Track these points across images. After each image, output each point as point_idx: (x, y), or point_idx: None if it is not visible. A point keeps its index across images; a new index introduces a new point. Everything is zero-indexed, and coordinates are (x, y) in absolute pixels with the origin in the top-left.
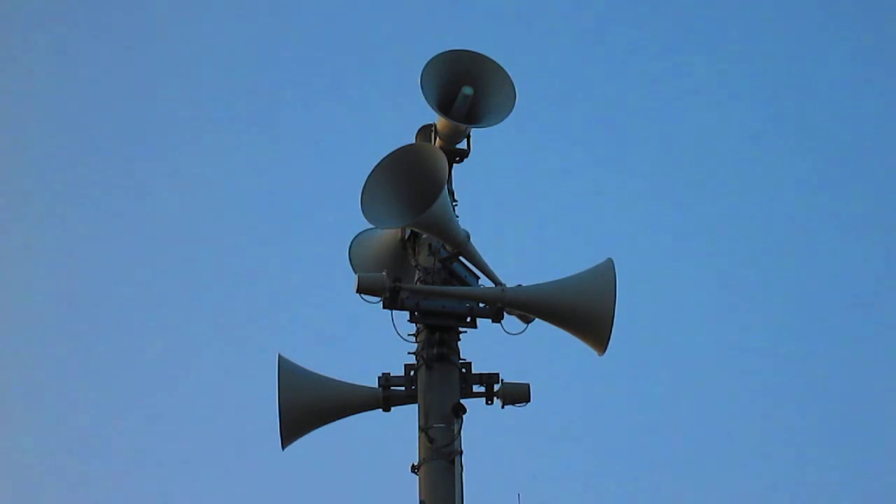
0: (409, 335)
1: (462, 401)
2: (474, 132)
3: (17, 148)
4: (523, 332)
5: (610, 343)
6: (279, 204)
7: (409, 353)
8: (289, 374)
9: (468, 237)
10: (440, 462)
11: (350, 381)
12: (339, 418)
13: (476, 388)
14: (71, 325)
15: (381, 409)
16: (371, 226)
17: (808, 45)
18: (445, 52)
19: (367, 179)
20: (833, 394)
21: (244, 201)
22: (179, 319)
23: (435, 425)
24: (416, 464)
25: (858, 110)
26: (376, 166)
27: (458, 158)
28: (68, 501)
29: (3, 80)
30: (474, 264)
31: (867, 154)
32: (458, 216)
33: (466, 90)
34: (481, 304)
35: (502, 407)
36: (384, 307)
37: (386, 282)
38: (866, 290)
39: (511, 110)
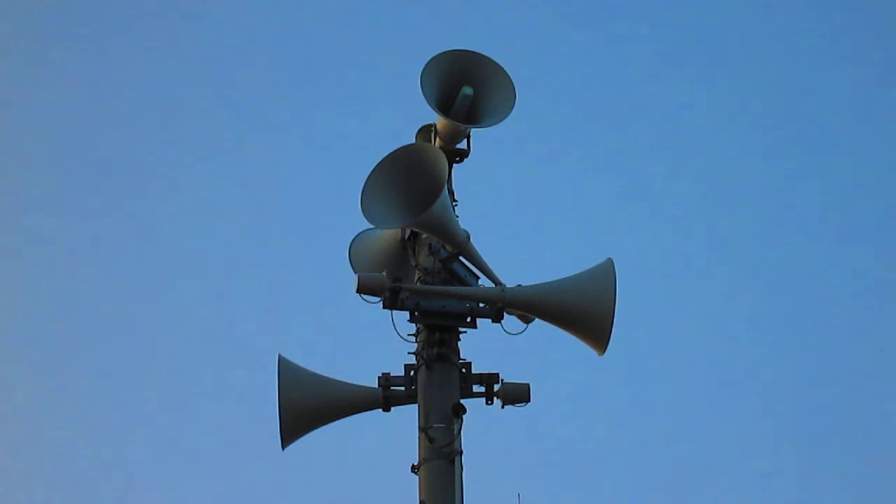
0: (409, 335)
1: (462, 401)
2: (474, 132)
3: (19, 149)
4: (523, 332)
5: (610, 343)
6: (279, 204)
7: (409, 353)
8: (289, 374)
9: (468, 237)
10: (440, 462)
11: (350, 381)
12: (339, 418)
13: (476, 388)
14: (71, 324)
15: (381, 409)
16: (371, 226)
17: (807, 46)
18: (445, 52)
19: (367, 179)
20: (835, 395)
21: (244, 201)
22: (179, 319)
23: (435, 425)
24: (416, 464)
25: (858, 111)
26: (376, 166)
27: (458, 158)
28: (67, 501)
29: (4, 81)
30: (474, 264)
31: (869, 156)
32: (458, 216)
33: (466, 90)
34: (481, 304)
35: (502, 407)
36: (384, 307)
37: (386, 282)
38: (867, 292)
39: (511, 110)
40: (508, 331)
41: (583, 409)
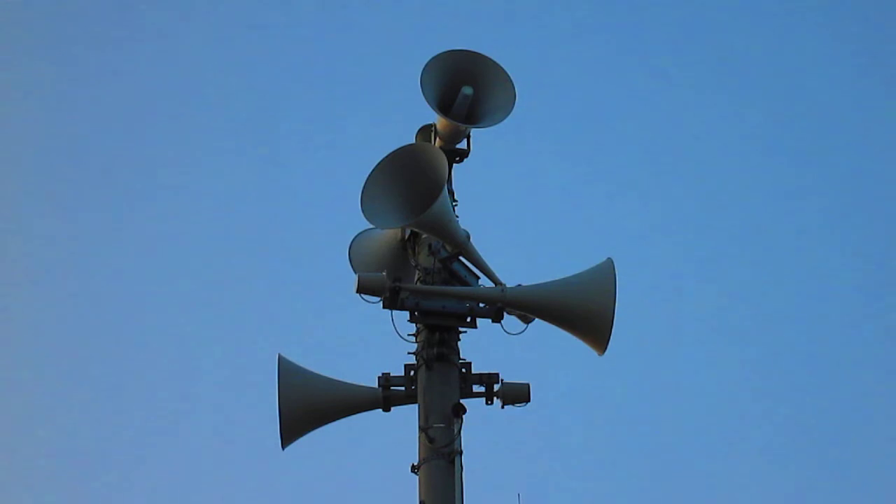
0: (409, 335)
1: (462, 401)
2: (474, 132)
3: (21, 153)
4: (523, 332)
5: (610, 343)
6: (279, 204)
7: (409, 353)
8: (289, 374)
9: (468, 237)
10: (440, 462)
11: (350, 381)
12: (339, 418)
13: (476, 388)
14: (72, 325)
15: (381, 409)
16: (371, 226)
17: (803, 48)
18: (445, 52)
19: (367, 179)
20: (835, 394)
21: (244, 201)
22: (180, 319)
23: (435, 425)
24: (416, 464)
25: (855, 112)
26: (376, 166)
27: (458, 158)
28: (69, 501)
29: (5, 83)
30: (474, 264)
31: (868, 157)
32: (458, 216)
33: (466, 90)
34: (481, 304)
35: (502, 407)
36: (384, 307)
37: (386, 282)
38: (864, 291)
39: (511, 110)
40: (508, 331)
41: (583, 409)
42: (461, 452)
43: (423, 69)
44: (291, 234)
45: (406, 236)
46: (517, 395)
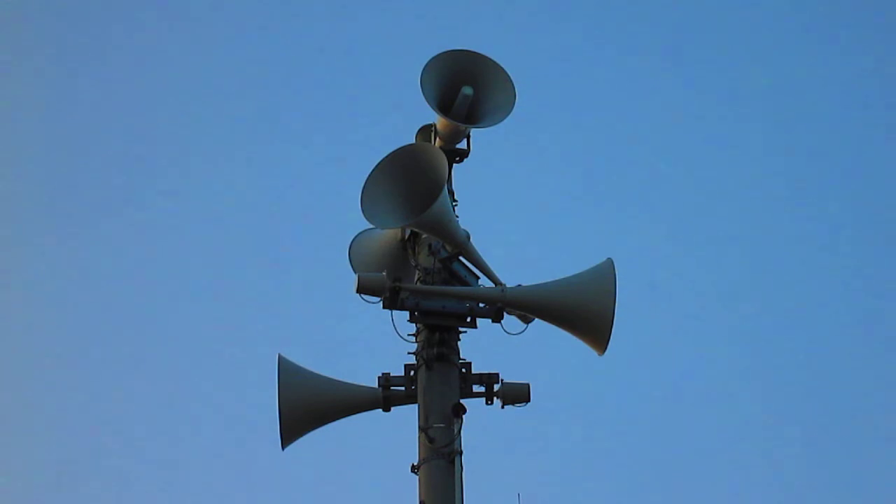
0: (409, 335)
1: (462, 401)
2: (474, 132)
3: (21, 153)
4: (523, 332)
5: (610, 343)
6: (279, 204)
7: (409, 353)
8: (289, 374)
9: (468, 237)
10: (440, 462)
11: (350, 381)
12: (339, 418)
13: (476, 388)
14: (72, 325)
15: (381, 409)
16: (371, 226)
17: (803, 49)
18: (445, 52)
19: (367, 179)
20: (833, 394)
21: (244, 201)
22: (180, 319)
23: (435, 425)
24: (416, 464)
25: (854, 113)
26: (376, 166)
27: (458, 158)
28: (69, 501)
29: (5, 85)
30: (474, 264)
31: (865, 158)
32: (458, 216)
33: (466, 90)
34: (481, 304)
35: (502, 407)
36: (384, 307)
37: (386, 282)
38: (864, 291)
39: (511, 110)
40: (508, 331)
41: (583, 409)
42: (461, 452)
43: (423, 69)
44: (291, 234)
45: (406, 236)
46: (517, 395)
